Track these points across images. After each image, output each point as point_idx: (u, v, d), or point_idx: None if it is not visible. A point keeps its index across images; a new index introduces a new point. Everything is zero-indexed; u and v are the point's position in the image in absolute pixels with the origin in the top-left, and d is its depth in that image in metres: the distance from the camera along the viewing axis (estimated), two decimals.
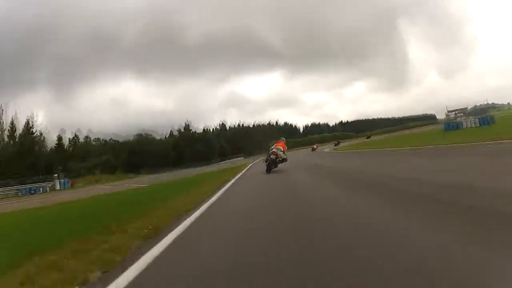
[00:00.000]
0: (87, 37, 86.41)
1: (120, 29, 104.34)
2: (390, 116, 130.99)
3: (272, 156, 10.28)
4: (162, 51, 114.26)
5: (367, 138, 49.46)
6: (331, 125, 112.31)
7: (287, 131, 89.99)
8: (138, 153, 47.93)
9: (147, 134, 57.68)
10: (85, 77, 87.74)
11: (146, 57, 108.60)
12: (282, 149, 10.76)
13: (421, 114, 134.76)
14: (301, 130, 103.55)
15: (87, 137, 52.11)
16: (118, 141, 54.30)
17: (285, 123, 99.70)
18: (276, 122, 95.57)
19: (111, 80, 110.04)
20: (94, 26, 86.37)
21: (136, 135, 55.60)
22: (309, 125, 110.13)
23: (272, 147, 10.83)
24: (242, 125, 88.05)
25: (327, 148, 38.28)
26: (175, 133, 63.56)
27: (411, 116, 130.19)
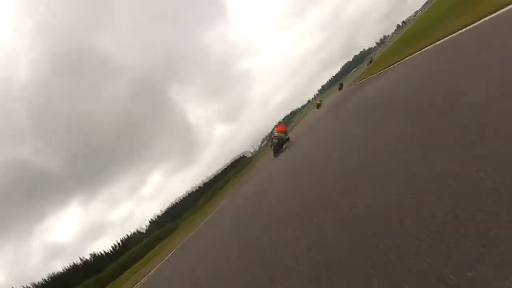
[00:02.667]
0: None
1: None
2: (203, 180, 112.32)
3: (275, 141, 11.42)
4: None
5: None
6: (145, 227, 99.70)
7: (100, 263, 72.33)
8: None
9: None
10: None
11: None
12: (284, 131, 11.92)
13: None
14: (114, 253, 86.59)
15: None
16: None
17: (95, 255, 77.49)
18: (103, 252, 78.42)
19: None
20: None
21: None
22: (122, 241, 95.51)
23: (273, 131, 11.89)
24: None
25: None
26: None
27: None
